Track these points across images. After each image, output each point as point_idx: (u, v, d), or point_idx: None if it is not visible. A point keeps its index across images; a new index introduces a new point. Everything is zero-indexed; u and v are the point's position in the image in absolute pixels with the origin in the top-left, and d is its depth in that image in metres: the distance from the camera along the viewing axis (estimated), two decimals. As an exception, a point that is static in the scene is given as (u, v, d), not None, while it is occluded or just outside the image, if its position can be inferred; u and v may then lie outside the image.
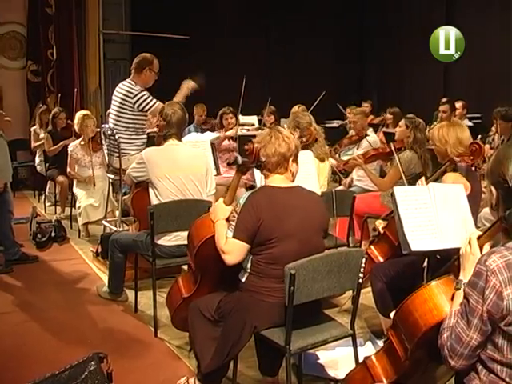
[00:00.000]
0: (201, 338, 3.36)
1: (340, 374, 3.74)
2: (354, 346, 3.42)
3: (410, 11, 12.62)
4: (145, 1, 12.10)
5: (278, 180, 3.35)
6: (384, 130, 8.79)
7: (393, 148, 5.53)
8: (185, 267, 4.89)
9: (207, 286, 3.67)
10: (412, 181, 5.29)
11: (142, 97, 5.95)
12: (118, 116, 6.04)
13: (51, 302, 5.20)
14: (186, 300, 3.73)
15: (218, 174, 5.95)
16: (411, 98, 12.25)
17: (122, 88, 6.06)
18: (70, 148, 7.47)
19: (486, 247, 2.29)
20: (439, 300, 2.40)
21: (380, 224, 4.52)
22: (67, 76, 10.82)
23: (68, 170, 7.44)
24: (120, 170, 5.92)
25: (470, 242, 2.32)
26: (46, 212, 8.74)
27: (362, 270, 3.25)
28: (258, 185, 4.23)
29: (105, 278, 5.49)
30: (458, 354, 2.19)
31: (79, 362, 3.00)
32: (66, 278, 5.86)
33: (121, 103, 6.01)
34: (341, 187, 7.13)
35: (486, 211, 5.09)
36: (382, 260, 4.35)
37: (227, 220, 3.42)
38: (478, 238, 2.32)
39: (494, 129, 7.82)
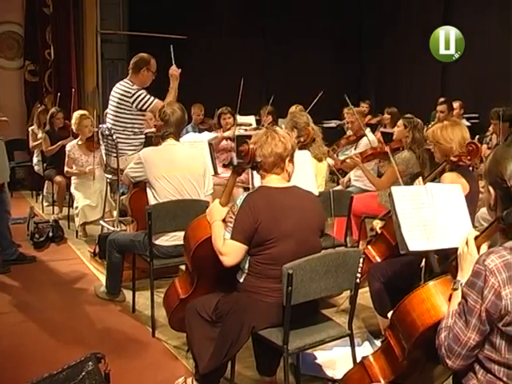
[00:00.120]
0: (198, 338, 3.36)
1: (338, 374, 3.74)
2: (352, 345, 3.42)
3: (408, 11, 12.63)
4: (142, 1, 12.10)
5: (274, 180, 3.34)
6: (382, 129, 8.80)
7: (388, 150, 5.55)
8: (182, 267, 4.89)
9: (204, 286, 3.66)
10: (410, 181, 5.30)
11: (139, 96, 5.94)
12: (116, 116, 6.04)
13: (49, 303, 5.20)
14: (183, 301, 3.72)
15: (216, 174, 5.95)
16: (409, 98, 12.26)
17: (120, 88, 6.05)
18: (67, 148, 7.47)
19: (484, 247, 2.30)
20: (437, 300, 2.40)
21: (377, 224, 4.52)
22: (65, 76, 10.80)
23: (66, 169, 7.43)
24: (118, 170, 5.91)
25: (467, 243, 2.32)
26: (43, 212, 8.72)
27: (359, 269, 3.25)
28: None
29: (102, 278, 5.49)
30: (456, 354, 2.19)
31: (77, 363, 3.00)
32: (63, 279, 5.85)
33: (118, 103, 6.01)
34: (339, 187, 7.14)
35: (483, 211, 5.11)
36: (379, 260, 4.35)
37: (223, 221, 3.41)
38: (476, 238, 2.32)
39: (491, 129, 7.83)
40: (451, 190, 3.68)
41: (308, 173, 4.89)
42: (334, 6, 13.55)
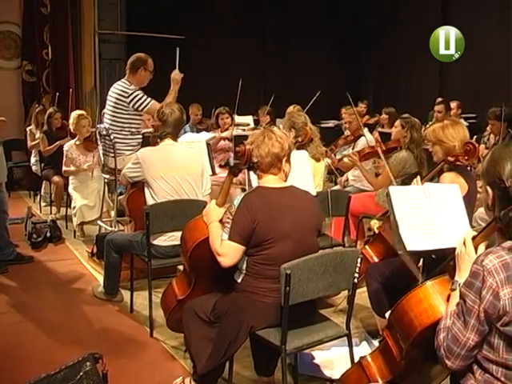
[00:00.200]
0: (196, 339, 3.36)
1: (335, 374, 3.74)
2: (350, 345, 3.42)
3: (407, 11, 12.64)
4: (140, 1, 12.11)
5: (271, 181, 3.34)
6: (380, 129, 8.80)
7: (379, 151, 5.57)
8: (180, 267, 4.88)
9: (201, 287, 3.66)
10: (407, 181, 5.30)
11: (136, 96, 5.94)
12: (113, 116, 6.04)
13: (46, 303, 5.19)
14: (181, 302, 3.72)
15: (214, 174, 5.95)
16: (407, 98, 12.27)
17: (117, 88, 6.05)
18: (65, 148, 7.46)
19: (481, 247, 2.30)
20: (434, 300, 2.40)
21: (375, 224, 4.52)
22: (62, 76, 10.80)
23: (64, 168, 7.42)
24: (115, 170, 5.91)
25: (465, 243, 2.33)
26: (41, 212, 8.72)
27: (357, 269, 3.25)
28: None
29: (100, 278, 5.49)
30: (455, 354, 2.19)
31: (74, 363, 2.99)
32: (61, 279, 5.85)
33: (116, 103, 6.01)
34: (336, 187, 7.14)
35: (481, 211, 5.11)
36: (377, 260, 4.36)
37: (221, 222, 3.41)
38: (473, 238, 2.32)
39: (488, 129, 7.84)
40: (449, 189, 3.68)
41: (306, 173, 4.90)
42: (332, 6, 13.55)
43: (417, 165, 5.55)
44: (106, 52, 12.08)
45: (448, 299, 2.35)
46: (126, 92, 5.95)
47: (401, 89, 12.86)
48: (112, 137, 5.96)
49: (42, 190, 9.00)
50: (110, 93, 6.16)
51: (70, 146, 7.45)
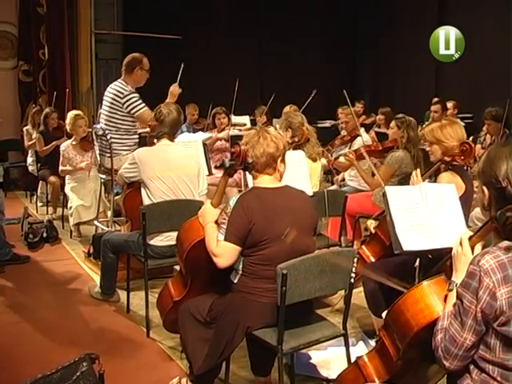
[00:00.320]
0: (192, 339, 3.36)
1: (332, 374, 3.74)
2: (346, 345, 3.43)
3: (403, 11, 12.63)
4: (137, 1, 12.08)
5: (266, 181, 3.34)
6: (376, 129, 8.81)
7: (364, 152, 5.59)
8: (177, 267, 4.89)
9: (198, 288, 3.65)
10: (403, 180, 5.31)
11: (131, 98, 5.92)
12: (109, 116, 6.03)
13: (43, 303, 5.19)
14: (177, 303, 3.70)
15: (210, 174, 5.95)
16: (403, 98, 12.26)
17: (113, 88, 6.04)
18: (61, 147, 7.46)
19: (478, 247, 2.30)
20: (431, 300, 2.40)
21: (372, 224, 4.53)
22: (59, 76, 10.78)
23: (60, 168, 7.41)
24: (112, 170, 5.90)
25: (461, 243, 2.33)
26: (37, 212, 8.70)
27: (353, 269, 3.25)
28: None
29: (97, 278, 5.49)
30: (453, 355, 2.19)
31: (71, 363, 3.00)
32: (57, 279, 5.84)
33: (111, 103, 6.00)
34: (333, 187, 7.15)
35: (477, 211, 5.11)
36: (373, 260, 4.36)
37: (216, 222, 3.40)
38: (470, 238, 2.33)
39: (485, 129, 7.85)
40: (445, 189, 3.69)
41: (302, 173, 4.90)
42: (329, 6, 13.55)
43: (413, 164, 5.55)
44: (103, 52, 12.06)
45: (445, 299, 2.35)
46: (121, 93, 5.94)
47: (397, 89, 12.85)
48: (108, 137, 5.95)
49: (39, 190, 8.99)
50: (106, 93, 6.15)
51: (66, 145, 7.44)
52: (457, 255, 2.34)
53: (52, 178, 8.11)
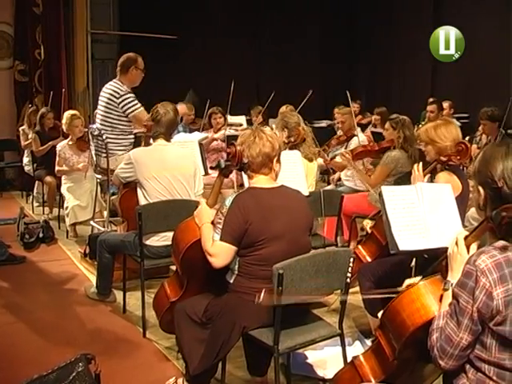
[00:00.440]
0: (188, 340, 3.35)
1: (328, 374, 3.75)
2: (343, 345, 3.43)
3: (401, 11, 12.64)
4: (133, 1, 12.07)
5: (262, 181, 3.34)
6: (372, 129, 8.81)
7: (350, 158, 5.66)
8: (173, 267, 4.87)
9: (194, 289, 3.64)
10: (400, 180, 5.31)
11: (127, 99, 5.92)
12: (105, 116, 6.02)
13: (39, 303, 5.18)
14: (174, 304, 3.69)
15: (206, 174, 5.95)
16: (399, 98, 12.29)
17: (109, 88, 6.03)
18: (58, 147, 7.45)
19: (473, 247, 2.30)
20: (426, 300, 2.40)
21: (368, 224, 4.53)
22: (55, 76, 10.76)
23: (57, 168, 7.40)
24: (108, 170, 5.89)
25: (457, 242, 2.33)
26: (33, 212, 8.69)
27: (349, 269, 3.25)
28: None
29: (93, 278, 5.48)
30: (449, 354, 2.20)
31: (67, 364, 2.99)
32: (53, 279, 5.83)
33: (107, 103, 5.99)
34: (329, 187, 7.15)
35: (473, 210, 5.12)
36: (369, 260, 4.36)
37: (212, 223, 3.40)
38: (465, 237, 2.32)
39: (480, 129, 7.86)
40: (441, 189, 3.69)
41: (298, 173, 4.90)
42: (326, 6, 13.56)
43: (410, 163, 5.55)
44: (99, 52, 12.04)
45: (440, 299, 2.35)
46: (117, 93, 5.94)
47: (393, 89, 12.86)
48: (104, 137, 5.94)
49: (35, 191, 8.97)
50: (101, 93, 6.14)
51: (62, 145, 7.43)
52: (452, 255, 2.34)
53: (48, 178, 8.10)
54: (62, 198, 7.64)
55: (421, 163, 4.14)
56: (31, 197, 9.16)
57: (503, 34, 10.35)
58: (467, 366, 2.23)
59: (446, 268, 2.39)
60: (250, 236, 3.17)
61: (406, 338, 2.43)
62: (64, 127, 7.57)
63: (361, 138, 6.93)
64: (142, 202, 4.64)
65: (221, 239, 3.19)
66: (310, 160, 5.51)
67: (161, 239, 4.58)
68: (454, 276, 2.30)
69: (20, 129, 9.40)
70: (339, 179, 7.12)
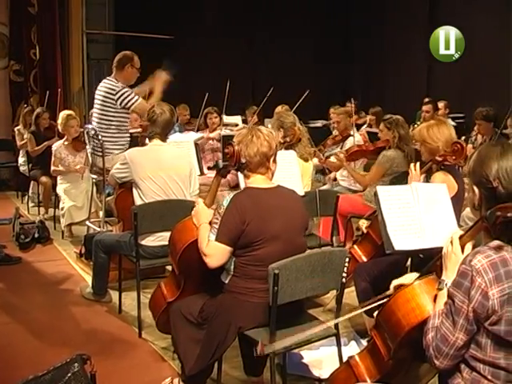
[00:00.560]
0: (184, 340, 3.35)
1: (324, 374, 3.75)
2: (338, 345, 3.43)
3: (396, 11, 12.65)
4: (128, 1, 12.06)
5: (259, 181, 3.33)
6: (368, 129, 8.83)
7: (342, 158, 5.68)
8: (169, 268, 4.88)
9: (191, 289, 3.64)
10: (395, 180, 5.32)
11: (124, 93, 5.91)
12: (101, 114, 6.01)
13: (35, 304, 5.17)
14: (171, 304, 3.69)
15: (202, 174, 5.95)
16: (395, 97, 12.29)
17: (104, 86, 6.02)
18: (53, 148, 7.44)
19: (468, 247, 2.30)
20: (421, 299, 2.40)
21: (363, 224, 4.54)
22: (50, 76, 10.74)
23: (52, 168, 7.39)
24: (104, 170, 5.89)
25: (451, 242, 2.33)
26: (29, 213, 8.67)
27: (345, 269, 3.26)
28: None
29: (88, 278, 5.47)
30: (444, 354, 2.20)
31: (62, 364, 2.98)
32: (49, 279, 5.82)
33: (103, 101, 5.98)
34: (325, 187, 7.15)
35: (468, 210, 5.13)
36: (365, 259, 4.37)
37: (209, 223, 3.39)
38: (460, 237, 2.33)
39: (476, 129, 7.88)
40: (437, 189, 3.70)
41: (294, 173, 4.90)
42: (321, 6, 13.56)
43: (406, 163, 5.55)
44: (94, 52, 12.02)
45: (435, 299, 2.35)
46: (113, 90, 5.93)
47: (389, 89, 12.87)
48: (100, 136, 5.94)
49: (30, 191, 8.96)
50: (97, 91, 6.13)
51: (58, 145, 7.42)
52: (447, 254, 2.34)
53: (43, 179, 8.09)
54: (57, 199, 7.62)
55: (418, 163, 4.15)
56: (26, 197, 9.14)
57: (503, 33, 10.36)
58: (462, 366, 2.24)
59: (440, 267, 2.40)
60: (248, 236, 3.16)
61: (402, 337, 2.43)
62: (59, 127, 7.55)
63: (356, 138, 6.94)
64: (138, 202, 4.64)
65: (216, 239, 3.18)
66: (306, 160, 5.50)
67: (156, 239, 4.58)
68: (448, 275, 2.31)
69: (15, 129, 9.38)
70: (335, 179, 7.13)
